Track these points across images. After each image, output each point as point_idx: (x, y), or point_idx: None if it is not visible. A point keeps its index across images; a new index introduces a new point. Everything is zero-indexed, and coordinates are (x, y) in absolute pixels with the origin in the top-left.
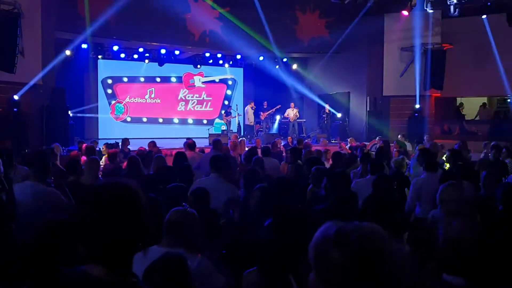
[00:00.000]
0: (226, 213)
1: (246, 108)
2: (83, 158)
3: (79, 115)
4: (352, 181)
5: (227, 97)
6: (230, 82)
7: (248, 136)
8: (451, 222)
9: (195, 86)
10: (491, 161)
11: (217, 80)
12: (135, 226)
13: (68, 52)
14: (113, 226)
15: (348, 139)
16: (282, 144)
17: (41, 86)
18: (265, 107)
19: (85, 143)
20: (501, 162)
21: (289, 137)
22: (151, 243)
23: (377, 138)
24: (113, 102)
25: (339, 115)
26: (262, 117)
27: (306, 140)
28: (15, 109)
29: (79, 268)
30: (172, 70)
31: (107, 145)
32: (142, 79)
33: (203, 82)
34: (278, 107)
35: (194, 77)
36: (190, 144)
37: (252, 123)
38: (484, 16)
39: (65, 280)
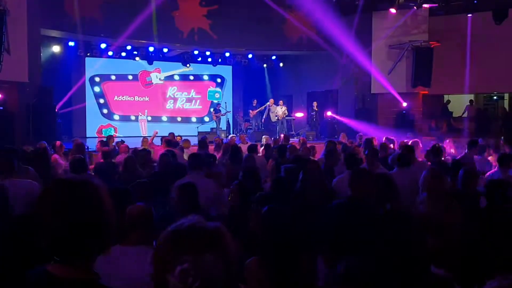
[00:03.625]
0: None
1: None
2: (55, 156)
3: (66, 110)
4: None
5: None
6: (219, 80)
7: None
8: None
9: (152, 83)
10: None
11: (163, 77)
12: (97, 224)
13: (56, 49)
14: (74, 224)
15: (341, 135)
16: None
17: (28, 84)
18: (254, 105)
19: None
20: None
21: (265, 137)
22: (114, 241)
23: (358, 135)
24: (106, 123)
25: (329, 113)
26: (251, 115)
27: (294, 138)
28: (1, 108)
29: (40, 268)
30: (161, 68)
31: (102, 143)
32: (130, 77)
33: (160, 79)
34: (267, 104)
35: (151, 74)
36: (167, 140)
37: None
38: (470, 15)
39: (26, 280)
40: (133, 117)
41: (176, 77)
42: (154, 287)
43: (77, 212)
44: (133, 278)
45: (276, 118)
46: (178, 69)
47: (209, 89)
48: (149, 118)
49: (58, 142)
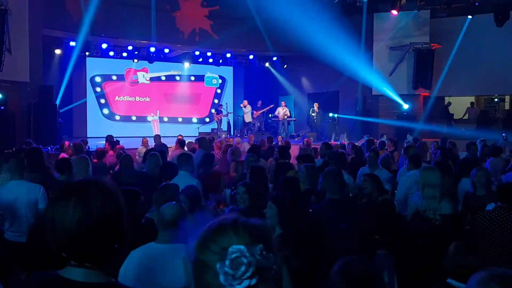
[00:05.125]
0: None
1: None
2: (62, 154)
3: (66, 108)
4: None
5: (217, 96)
6: (220, 81)
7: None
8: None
9: (138, 82)
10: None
11: (149, 77)
12: (113, 226)
13: (58, 51)
14: (86, 225)
15: (342, 135)
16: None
17: (29, 84)
18: (259, 105)
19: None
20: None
21: (279, 137)
22: (128, 242)
23: (365, 137)
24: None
25: (330, 114)
26: (255, 116)
27: (295, 139)
28: (2, 107)
29: (50, 273)
30: (162, 68)
31: (110, 142)
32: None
33: (146, 79)
34: (271, 106)
35: (138, 73)
36: (180, 141)
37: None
38: (470, 16)
39: (36, 286)
40: (134, 117)
41: (177, 78)
42: (195, 281)
43: (94, 215)
44: (171, 277)
45: (251, 118)
46: (166, 71)
47: (206, 75)
48: (150, 119)
49: (66, 142)
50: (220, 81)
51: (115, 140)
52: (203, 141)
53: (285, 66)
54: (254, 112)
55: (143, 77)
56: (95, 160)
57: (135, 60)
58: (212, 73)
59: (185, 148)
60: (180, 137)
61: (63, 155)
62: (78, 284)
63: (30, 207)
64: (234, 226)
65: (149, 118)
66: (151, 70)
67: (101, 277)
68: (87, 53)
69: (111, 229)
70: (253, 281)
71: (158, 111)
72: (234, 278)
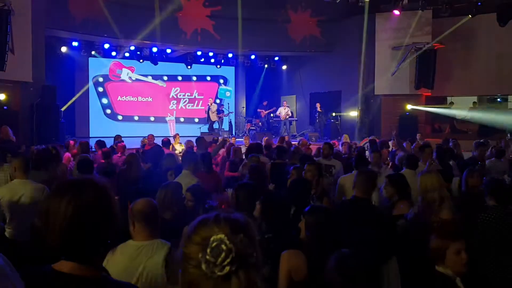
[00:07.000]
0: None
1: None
2: (67, 154)
3: (68, 103)
4: None
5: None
6: (221, 81)
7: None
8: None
9: (120, 78)
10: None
11: (134, 77)
12: (103, 222)
13: (60, 49)
14: (78, 222)
15: (343, 136)
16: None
17: (31, 84)
18: (264, 105)
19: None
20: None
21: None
22: (121, 238)
23: (370, 138)
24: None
25: (334, 114)
26: (262, 115)
27: (297, 139)
28: (4, 107)
29: (44, 266)
30: (164, 69)
31: (98, 143)
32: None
33: (130, 77)
34: (274, 108)
35: (123, 69)
36: (164, 141)
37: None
38: (470, 16)
39: (30, 279)
40: (136, 117)
41: (179, 78)
42: (182, 275)
43: (86, 212)
44: (148, 272)
45: (217, 117)
46: (152, 79)
47: (220, 87)
48: (152, 119)
49: (71, 142)
50: (223, 81)
51: (116, 142)
52: (201, 140)
53: (283, 67)
54: (262, 111)
55: (126, 75)
56: (102, 161)
57: (141, 61)
58: (226, 86)
59: (170, 148)
60: (177, 136)
61: (67, 154)
62: (70, 276)
63: (34, 206)
64: (215, 219)
65: (166, 119)
66: (150, 70)
67: (92, 271)
68: (92, 52)
69: (104, 226)
70: (234, 267)
71: (174, 112)
72: (215, 265)
